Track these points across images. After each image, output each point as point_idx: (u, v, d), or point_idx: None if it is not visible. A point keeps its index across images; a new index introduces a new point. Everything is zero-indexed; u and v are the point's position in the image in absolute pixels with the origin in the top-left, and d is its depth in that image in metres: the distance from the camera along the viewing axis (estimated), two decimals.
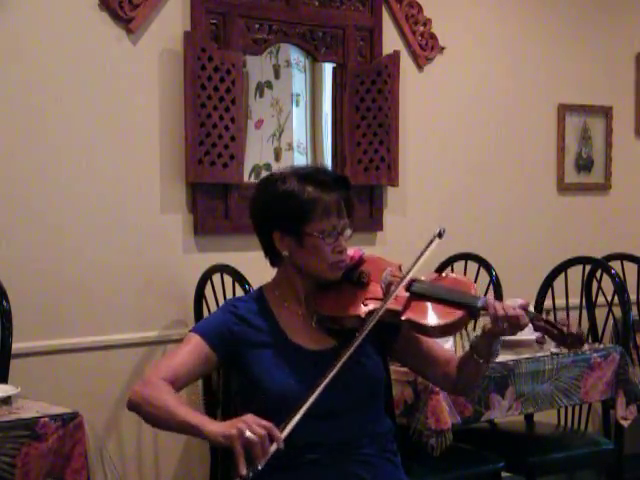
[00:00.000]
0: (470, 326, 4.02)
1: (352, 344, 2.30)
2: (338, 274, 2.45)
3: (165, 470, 3.98)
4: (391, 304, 2.39)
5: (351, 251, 2.50)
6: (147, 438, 3.92)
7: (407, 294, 2.43)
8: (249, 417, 2.17)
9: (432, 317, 2.40)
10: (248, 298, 2.53)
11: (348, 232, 2.45)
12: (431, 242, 2.48)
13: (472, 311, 2.40)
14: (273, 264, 2.52)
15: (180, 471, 4.01)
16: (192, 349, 2.39)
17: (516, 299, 2.51)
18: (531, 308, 2.40)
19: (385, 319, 2.38)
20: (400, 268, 2.52)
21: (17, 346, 3.41)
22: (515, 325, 2.34)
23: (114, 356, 3.83)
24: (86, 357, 3.76)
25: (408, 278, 2.43)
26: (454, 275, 2.64)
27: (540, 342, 2.40)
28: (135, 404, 2.33)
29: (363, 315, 2.40)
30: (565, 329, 2.33)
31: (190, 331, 2.46)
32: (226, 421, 2.21)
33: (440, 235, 2.49)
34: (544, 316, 2.40)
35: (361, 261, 2.52)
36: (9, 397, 2.92)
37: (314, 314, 2.45)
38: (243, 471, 2.11)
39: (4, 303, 3.35)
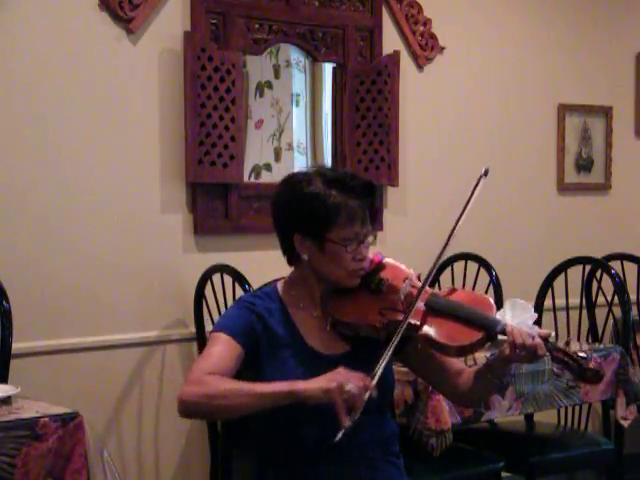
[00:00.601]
0: None
1: (380, 362, 2.25)
2: (356, 281, 2.41)
3: (165, 470, 3.98)
4: (409, 318, 2.34)
5: (370, 254, 2.45)
6: (147, 438, 3.92)
7: (428, 309, 2.38)
8: (342, 371, 2.19)
9: (450, 336, 2.34)
10: (264, 295, 2.46)
11: (369, 239, 2.41)
12: (477, 184, 2.43)
13: (491, 334, 2.34)
14: (290, 263, 2.47)
15: (180, 471, 4.01)
16: (224, 348, 2.32)
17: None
18: (552, 337, 2.36)
19: (402, 333, 2.32)
20: (419, 278, 2.47)
21: (17, 346, 3.41)
22: (533, 355, 2.31)
23: (114, 356, 3.83)
24: (86, 357, 3.76)
25: (426, 287, 2.37)
26: (473, 292, 2.57)
27: (557, 374, 2.37)
28: (196, 405, 2.24)
29: (379, 325, 2.36)
30: (584, 363, 2.29)
31: (214, 330, 2.40)
32: (317, 377, 2.19)
33: (486, 174, 2.44)
34: (563, 347, 2.35)
35: (381, 267, 2.47)
36: (9, 397, 2.93)
37: (329, 317, 2.40)
38: (347, 422, 2.14)
39: (4, 303, 3.35)
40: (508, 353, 2.33)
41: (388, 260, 2.50)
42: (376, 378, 2.20)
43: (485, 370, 2.42)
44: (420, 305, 2.37)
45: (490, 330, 2.34)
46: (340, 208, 2.34)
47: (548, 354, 2.33)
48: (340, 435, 2.14)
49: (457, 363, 2.54)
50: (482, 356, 3.20)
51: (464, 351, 2.37)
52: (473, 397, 2.50)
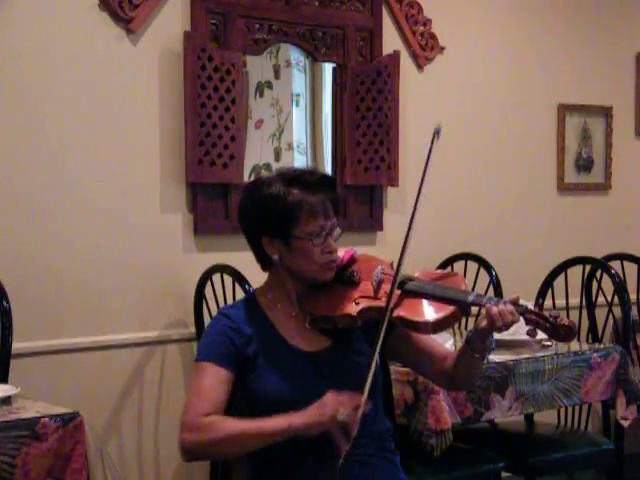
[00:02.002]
0: (470, 324, 4.02)
1: (374, 351, 2.30)
2: (330, 275, 2.45)
3: (165, 470, 3.98)
4: (381, 302, 2.39)
5: (341, 252, 2.49)
6: (147, 438, 3.92)
7: (399, 292, 2.42)
8: (329, 398, 2.25)
9: (423, 313, 2.39)
10: (240, 304, 2.51)
11: (337, 232, 2.44)
12: (431, 145, 2.47)
13: (463, 306, 2.39)
14: (264, 268, 2.52)
15: (180, 471, 4.01)
16: (213, 379, 2.35)
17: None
18: (522, 302, 2.40)
19: (377, 317, 2.37)
20: (392, 265, 2.52)
21: (17, 346, 3.41)
22: (508, 321, 2.34)
23: (114, 356, 3.83)
24: (86, 357, 3.76)
25: (400, 274, 2.41)
26: (444, 271, 2.63)
27: (531, 335, 2.39)
28: (197, 452, 2.31)
29: (354, 314, 2.40)
30: (557, 321, 2.33)
31: (199, 360, 2.42)
32: (307, 410, 2.25)
33: (438, 133, 2.49)
34: (534, 309, 2.38)
35: (352, 260, 2.52)
36: (9, 397, 2.92)
37: (307, 315, 2.44)
38: (345, 447, 2.23)
39: (4, 303, 3.34)
40: (484, 325, 2.36)
41: (360, 254, 2.56)
42: (366, 393, 2.25)
43: (466, 348, 2.45)
44: (394, 289, 2.41)
45: (462, 303, 2.38)
46: (301, 204, 2.38)
47: (520, 318, 2.36)
48: (341, 460, 2.23)
49: (442, 347, 2.58)
50: None
51: (439, 326, 2.41)
52: (461, 378, 2.52)
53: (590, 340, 4.34)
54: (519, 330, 3.66)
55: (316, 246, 2.40)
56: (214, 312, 3.85)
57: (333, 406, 2.22)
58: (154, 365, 3.92)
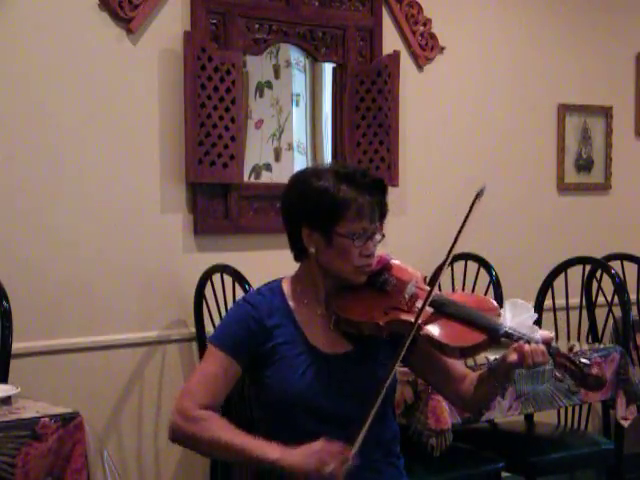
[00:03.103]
0: None
1: (391, 369, 2.27)
2: (362, 278, 2.41)
3: (165, 470, 3.98)
4: (411, 316, 2.34)
5: (378, 255, 2.45)
6: (147, 438, 3.92)
7: (431, 310, 2.37)
8: (320, 447, 2.23)
9: (453, 337, 2.34)
10: (267, 292, 2.45)
11: (378, 237, 2.40)
12: (473, 204, 2.41)
13: (494, 336, 2.34)
14: (297, 259, 2.46)
15: (180, 471, 4.01)
16: (220, 368, 2.35)
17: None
18: (554, 343, 2.36)
19: (404, 331, 2.32)
20: (425, 280, 2.47)
21: (17, 346, 3.41)
22: (538, 361, 2.30)
23: (114, 356, 3.83)
24: (86, 357, 3.76)
25: (435, 290, 2.37)
26: (476, 294, 2.58)
27: (559, 380, 2.36)
28: (182, 440, 2.33)
29: (382, 324, 2.35)
30: (587, 370, 2.28)
31: (211, 342, 2.40)
32: (298, 451, 2.24)
33: (480, 194, 2.41)
34: (566, 353, 2.34)
35: (387, 267, 2.47)
36: (9, 397, 2.93)
37: (333, 315, 2.40)
38: None
39: (4, 303, 3.35)
40: (512, 360, 2.32)
41: (395, 261, 2.50)
42: (356, 447, 2.22)
43: (488, 375, 2.41)
44: (426, 306, 2.36)
45: (493, 332, 2.33)
46: (349, 202, 2.34)
47: (550, 359, 2.32)
48: None
49: (462, 368, 2.53)
50: (482, 357, 3.21)
51: (466, 352, 2.37)
52: (475, 402, 2.49)
53: (590, 340, 4.34)
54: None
55: (356, 247, 2.35)
56: (214, 312, 3.85)
57: (321, 458, 2.20)
58: (154, 365, 3.92)
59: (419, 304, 2.36)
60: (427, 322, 2.35)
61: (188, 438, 2.31)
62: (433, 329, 2.35)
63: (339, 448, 2.21)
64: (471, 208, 2.40)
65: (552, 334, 2.38)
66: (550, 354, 2.31)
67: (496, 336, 2.33)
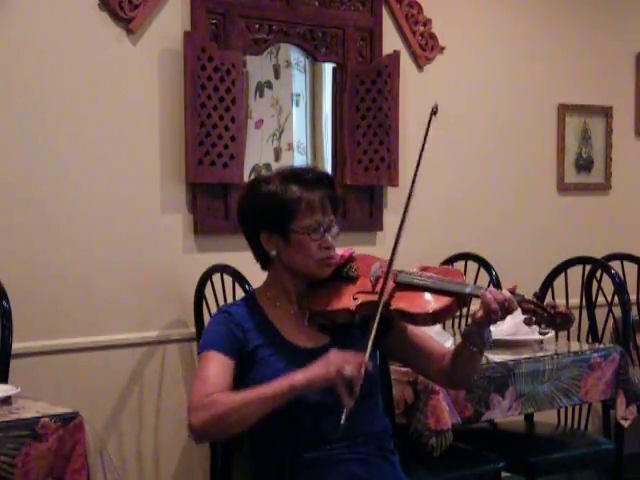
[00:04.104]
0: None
1: (367, 343, 2.31)
2: (327, 271, 2.48)
3: (165, 470, 3.98)
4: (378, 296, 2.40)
5: (341, 250, 2.53)
6: (147, 438, 3.92)
7: (394, 284, 2.45)
8: (335, 354, 2.27)
9: (420, 305, 2.41)
10: (240, 302, 2.56)
11: (335, 229, 2.48)
12: (429, 124, 2.49)
13: (460, 297, 2.40)
14: (264, 267, 2.55)
15: (180, 471, 4.01)
16: (217, 365, 2.38)
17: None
18: (518, 290, 2.40)
19: (375, 312, 2.38)
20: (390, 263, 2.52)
21: (17, 346, 3.41)
22: (505, 309, 2.35)
23: (114, 356, 3.83)
24: (86, 357, 3.76)
25: (393, 267, 2.43)
26: (441, 266, 2.64)
27: (527, 323, 2.40)
28: (209, 428, 2.31)
29: (353, 308, 2.43)
30: (553, 310, 2.34)
31: (201, 350, 2.44)
32: (311, 367, 2.27)
33: (435, 112, 2.50)
34: (531, 298, 2.39)
35: (351, 259, 2.55)
36: (9, 397, 2.93)
37: (306, 311, 2.47)
38: (349, 403, 2.23)
39: (4, 303, 3.34)
40: (480, 315, 2.36)
41: (359, 253, 2.58)
42: (368, 352, 2.28)
43: (463, 343, 2.45)
44: (390, 283, 2.44)
45: (459, 294, 2.40)
46: (299, 199, 2.43)
47: (517, 306, 2.37)
48: (344, 417, 2.22)
49: (440, 345, 2.60)
50: None
51: (437, 317, 2.43)
52: (460, 375, 2.52)
53: (590, 340, 4.34)
54: (519, 330, 3.69)
55: (314, 241, 2.43)
56: (214, 312, 3.85)
57: (339, 362, 2.24)
58: (154, 365, 3.92)
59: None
60: (394, 297, 2.42)
61: (210, 423, 2.29)
62: (400, 302, 2.42)
63: (352, 354, 2.27)
64: (428, 126, 2.49)
65: (515, 284, 2.42)
66: (517, 302, 2.35)
67: (462, 296, 2.40)
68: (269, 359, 2.41)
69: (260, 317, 2.48)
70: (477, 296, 2.39)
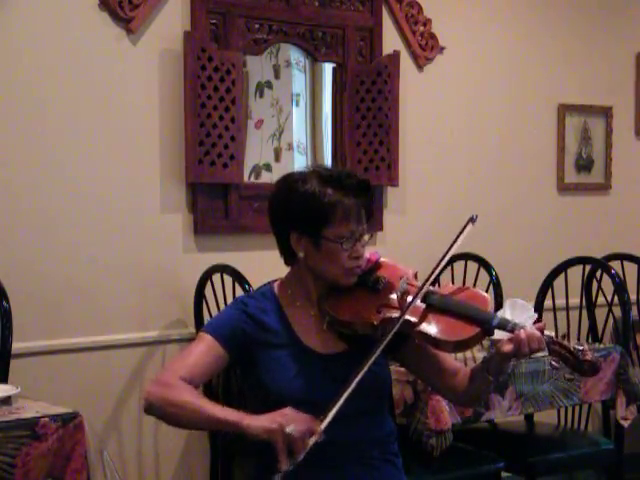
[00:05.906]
0: None
1: (372, 354, 2.25)
2: (352, 280, 2.41)
3: (165, 470, 3.98)
4: (405, 315, 2.34)
5: (367, 253, 2.44)
6: (147, 438, 3.92)
7: (423, 305, 2.37)
8: (288, 411, 2.19)
9: (447, 332, 2.33)
10: (259, 295, 2.47)
11: (366, 238, 2.41)
12: (464, 228, 2.43)
13: (487, 328, 2.33)
14: (287, 263, 2.47)
15: (180, 471, 4.01)
16: (205, 349, 2.35)
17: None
18: (547, 332, 2.35)
19: (399, 329, 2.32)
20: (416, 276, 2.47)
21: (17, 346, 3.41)
22: (534, 348, 2.29)
23: (114, 356, 3.83)
24: (86, 357, 3.76)
25: (426, 288, 2.36)
26: (469, 288, 2.57)
27: (554, 367, 2.35)
28: (154, 406, 2.29)
29: (376, 323, 2.35)
30: (581, 355, 2.27)
31: (202, 330, 2.42)
32: (264, 415, 2.20)
33: (473, 221, 2.44)
34: (560, 340, 2.32)
35: (377, 265, 2.47)
36: (9, 397, 2.93)
37: (326, 316, 2.39)
38: (285, 466, 2.14)
39: (4, 303, 3.35)
40: (508, 350, 2.31)
41: (385, 259, 2.51)
42: (326, 422, 2.18)
43: (482, 368, 2.41)
44: (418, 302, 2.36)
45: (486, 325, 2.33)
46: (335, 206, 2.35)
47: (545, 348, 2.32)
48: (279, 478, 2.14)
49: (454, 362, 2.53)
50: (480, 356, 3.21)
51: (461, 346, 2.37)
52: (470, 396, 2.48)
53: (590, 340, 4.34)
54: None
55: (345, 250, 2.36)
56: (214, 312, 3.85)
57: (287, 419, 2.17)
58: (154, 365, 3.92)
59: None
60: (420, 318, 2.35)
61: (161, 403, 2.27)
62: (426, 325, 2.35)
63: (308, 418, 2.18)
64: (462, 231, 2.43)
65: (544, 322, 2.37)
66: (545, 343, 2.30)
67: (489, 328, 2.33)
68: (284, 360, 2.36)
69: (278, 315, 2.42)
70: (505, 329, 2.32)
